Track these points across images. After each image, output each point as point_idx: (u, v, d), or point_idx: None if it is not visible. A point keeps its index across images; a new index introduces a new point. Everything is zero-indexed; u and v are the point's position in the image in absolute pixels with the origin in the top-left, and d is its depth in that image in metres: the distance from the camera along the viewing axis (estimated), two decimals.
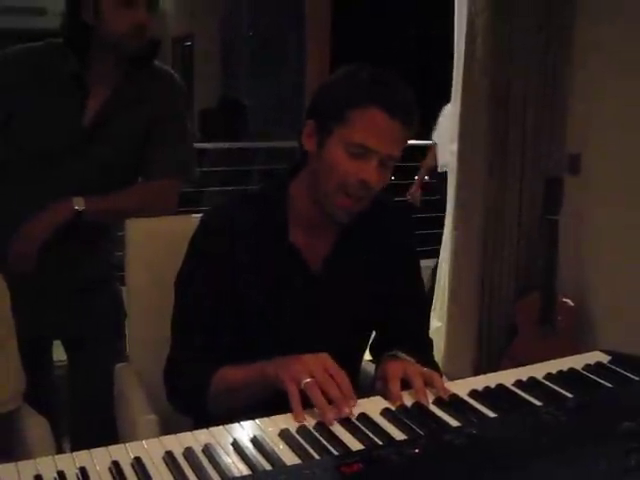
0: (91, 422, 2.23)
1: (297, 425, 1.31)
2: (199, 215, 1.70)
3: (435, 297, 3.54)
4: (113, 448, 1.23)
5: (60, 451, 1.81)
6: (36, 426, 1.70)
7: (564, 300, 3.32)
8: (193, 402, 1.58)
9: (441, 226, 3.50)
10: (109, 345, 2.25)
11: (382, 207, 1.70)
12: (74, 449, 1.23)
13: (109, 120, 2.04)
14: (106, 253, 2.27)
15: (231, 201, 1.72)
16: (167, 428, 1.64)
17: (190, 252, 1.66)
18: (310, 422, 1.32)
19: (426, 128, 3.43)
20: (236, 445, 1.24)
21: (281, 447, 1.24)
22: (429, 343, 1.83)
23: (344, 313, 1.68)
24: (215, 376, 1.54)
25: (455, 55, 3.31)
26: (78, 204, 1.96)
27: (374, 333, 1.80)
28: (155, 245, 1.95)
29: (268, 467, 1.18)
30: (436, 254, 3.50)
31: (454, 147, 3.33)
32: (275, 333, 1.62)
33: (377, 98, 1.49)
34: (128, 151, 2.10)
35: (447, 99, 3.56)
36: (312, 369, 1.38)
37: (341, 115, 1.51)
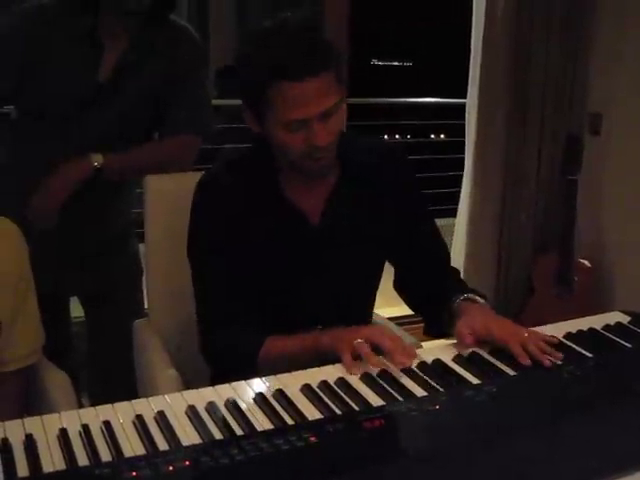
0: (110, 378, 2.25)
1: (318, 381, 1.32)
2: None
3: (452, 256, 3.53)
4: (136, 402, 1.25)
5: (80, 407, 1.83)
6: (57, 381, 1.71)
7: (581, 261, 3.31)
8: (241, 371, 1.50)
9: (457, 185, 3.49)
10: (127, 301, 2.26)
11: (373, 151, 1.70)
12: (93, 405, 1.24)
13: (124, 76, 2.02)
14: (124, 210, 2.27)
15: (220, 166, 1.70)
16: (186, 383, 1.66)
17: (193, 222, 1.64)
18: (331, 378, 1.33)
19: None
20: (258, 400, 1.25)
21: (303, 402, 1.25)
22: (457, 271, 1.83)
23: (349, 262, 1.67)
24: (264, 346, 1.54)
25: (474, 11, 3.27)
26: (97, 160, 1.96)
27: (395, 272, 1.81)
28: (174, 201, 1.93)
29: (290, 422, 1.19)
30: (453, 213, 3.48)
31: (473, 104, 3.30)
32: (283, 290, 1.63)
33: (275, 73, 1.43)
34: (144, 107, 2.09)
35: None
36: (368, 335, 1.41)
37: (261, 102, 1.48)
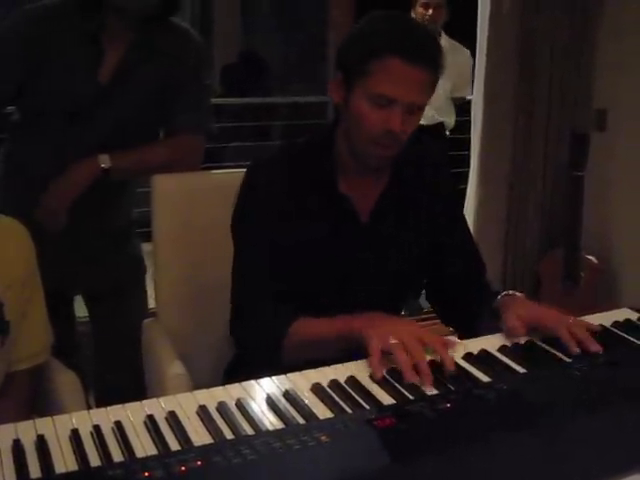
0: (115, 377, 2.25)
1: (329, 380, 1.31)
2: (221, 172, 1.69)
3: None
4: (147, 402, 1.25)
5: (87, 406, 1.83)
6: (66, 380, 1.71)
7: (588, 257, 3.31)
8: (268, 352, 1.57)
9: (461, 181, 3.49)
10: (131, 300, 2.26)
11: (427, 158, 1.73)
12: (99, 404, 1.24)
13: (125, 77, 2.02)
14: (126, 208, 2.27)
15: (276, 154, 1.72)
16: (195, 383, 1.66)
17: (244, 199, 1.65)
18: (341, 377, 1.33)
19: None
20: (269, 399, 1.25)
21: (313, 401, 1.25)
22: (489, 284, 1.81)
23: (391, 262, 1.69)
24: (293, 327, 1.54)
25: (479, 9, 3.27)
26: (104, 162, 1.96)
27: (427, 283, 1.81)
28: (181, 201, 1.94)
29: (301, 421, 1.19)
30: None
31: (479, 100, 3.31)
32: (324, 282, 1.64)
33: (394, 46, 1.48)
34: (146, 107, 2.08)
35: None
36: (402, 335, 1.38)
37: (361, 67, 1.51)
